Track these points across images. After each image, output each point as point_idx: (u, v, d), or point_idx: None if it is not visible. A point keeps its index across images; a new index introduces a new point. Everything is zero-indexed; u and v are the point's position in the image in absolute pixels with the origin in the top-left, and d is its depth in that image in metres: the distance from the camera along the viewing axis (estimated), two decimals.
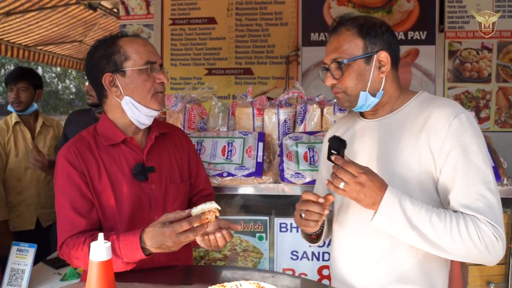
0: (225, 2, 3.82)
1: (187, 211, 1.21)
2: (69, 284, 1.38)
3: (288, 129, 2.00)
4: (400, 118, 1.27)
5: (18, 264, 1.70)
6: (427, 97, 1.28)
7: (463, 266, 1.84)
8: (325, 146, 1.48)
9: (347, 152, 1.20)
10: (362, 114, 1.37)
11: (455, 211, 1.14)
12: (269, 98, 2.08)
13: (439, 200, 1.21)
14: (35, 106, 2.83)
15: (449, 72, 3.61)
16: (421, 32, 3.62)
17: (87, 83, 2.54)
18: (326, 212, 1.20)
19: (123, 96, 1.36)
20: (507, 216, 1.82)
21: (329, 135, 1.48)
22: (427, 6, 3.61)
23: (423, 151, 1.19)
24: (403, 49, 3.63)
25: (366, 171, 1.13)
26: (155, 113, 1.41)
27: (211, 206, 1.19)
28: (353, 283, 1.30)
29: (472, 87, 3.60)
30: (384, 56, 1.24)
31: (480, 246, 1.10)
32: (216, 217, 1.21)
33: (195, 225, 1.17)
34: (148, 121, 1.41)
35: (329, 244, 1.81)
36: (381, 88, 1.26)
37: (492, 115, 3.59)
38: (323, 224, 1.35)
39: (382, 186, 1.13)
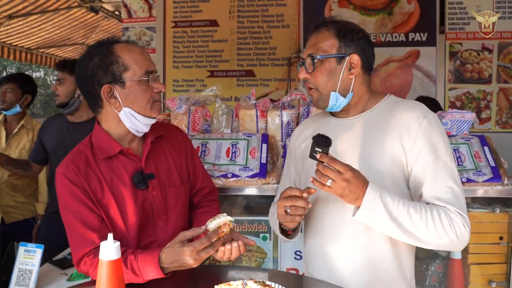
0: (227, 5, 3.84)
1: (203, 227, 1.22)
2: (78, 284, 1.40)
3: (291, 130, 2.02)
4: (372, 117, 1.35)
5: (26, 264, 1.72)
6: (395, 100, 1.38)
7: (465, 265, 1.85)
8: (292, 144, 1.54)
9: None
10: (332, 113, 1.43)
11: (428, 203, 1.23)
12: (271, 100, 2.10)
13: (409, 193, 1.30)
14: (17, 108, 2.92)
15: (450, 73, 3.63)
16: (421, 34, 3.64)
17: (54, 83, 2.51)
18: (310, 205, 1.26)
19: (122, 108, 1.32)
20: (508, 216, 1.84)
21: (297, 133, 1.55)
22: (428, 8, 3.63)
23: (396, 147, 1.27)
24: (404, 50, 3.66)
25: (351, 168, 1.19)
26: (153, 121, 1.39)
27: (226, 219, 1.21)
28: (332, 273, 1.34)
29: (473, 88, 3.62)
30: (355, 59, 1.32)
31: (452, 235, 1.20)
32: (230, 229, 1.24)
33: (213, 240, 1.20)
34: (146, 129, 1.39)
35: None
36: (351, 89, 1.33)
37: (493, 116, 3.61)
38: None
39: (364, 182, 1.20)
